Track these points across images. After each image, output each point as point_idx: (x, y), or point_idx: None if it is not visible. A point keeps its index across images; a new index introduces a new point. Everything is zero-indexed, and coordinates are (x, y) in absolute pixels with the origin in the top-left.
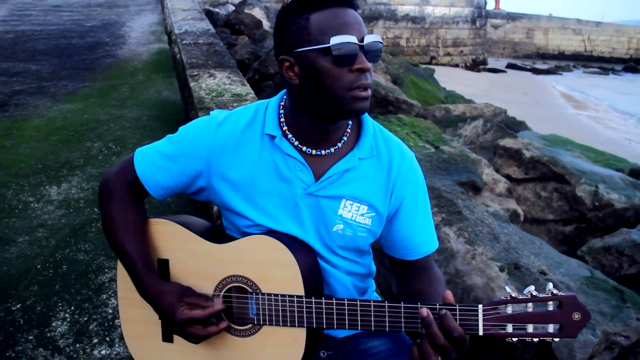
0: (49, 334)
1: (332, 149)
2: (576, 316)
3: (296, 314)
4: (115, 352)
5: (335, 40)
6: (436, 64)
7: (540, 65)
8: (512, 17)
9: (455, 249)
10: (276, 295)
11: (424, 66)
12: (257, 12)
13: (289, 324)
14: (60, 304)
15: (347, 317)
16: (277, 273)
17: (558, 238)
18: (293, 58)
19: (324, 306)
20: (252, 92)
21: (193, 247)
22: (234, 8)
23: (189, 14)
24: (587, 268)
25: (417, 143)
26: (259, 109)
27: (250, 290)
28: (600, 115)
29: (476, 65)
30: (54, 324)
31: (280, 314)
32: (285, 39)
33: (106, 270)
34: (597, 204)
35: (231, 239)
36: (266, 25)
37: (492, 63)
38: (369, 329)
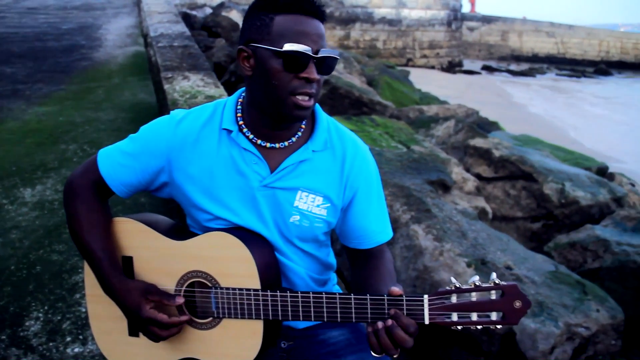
0: (22, 333)
1: (287, 143)
2: (517, 304)
3: (253, 307)
4: (88, 350)
5: (288, 47)
6: (412, 66)
7: (514, 67)
8: (487, 19)
9: (424, 246)
10: (234, 289)
11: (399, 68)
12: (235, 15)
13: (246, 317)
14: (33, 304)
15: (300, 309)
16: (234, 268)
17: (526, 235)
18: (250, 50)
19: (278, 299)
20: (226, 93)
21: (156, 245)
22: (211, 11)
23: (165, 17)
24: (552, 263)
25: (390, 143)
26: (218, 106)
27: (210, 284)
28: (569, 117)
29: (452, 67)
30: (27, 324)
31: (239, 307)
32: (249, 30)
33: (80, 270)
34: (563, 201)
35: (192, 235)
36: None
37: (467, 65)
38: (322, 320)
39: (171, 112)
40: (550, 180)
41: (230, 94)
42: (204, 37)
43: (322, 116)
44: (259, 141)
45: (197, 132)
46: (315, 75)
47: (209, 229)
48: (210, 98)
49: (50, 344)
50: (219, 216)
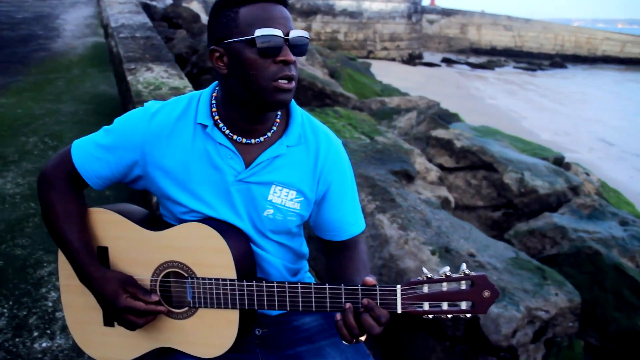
0: None
1: (262, 138)
2: (486, 294)
3: (229, 297)
4: (56, 345)
5: (260, 32)
6: (373, 58)
7: (473, 59)
8: (446, 12)
9: (389, 235)
10: (210, 279)
11: (361, 60)
12: (195, 6)
13: (222, 307)
14: None
15: (276, 299)
16: (210, 259)
17: (487, 223)
18: (222, 49)
19: (254, 289)
20: (190, 85)
21: (131, 235)
22: (171, 2)
23: (126, 7)
24: (513, 250)
25: (353, 135)
26: (192, 99)
27: (186, 275)
28: (524, 109)
29: (412, 60)
30: None
31: (215, 297)
32: (216, 30)
33: (45, 264)
34: (522, 190)
35: (168, 226)
36: (204, 19)
37: (427, 57)
38: (297, 310)
39: (145, 104)
40: (510, 170)
41: (193, 85)
42: (164, 28)
43: (297, 111)
44: (234, 136)
45: (171, 126)
46: (291, 57)
47: (184, 221)
48: (175, 90)
49: (17, 339)
50: (194, 209)
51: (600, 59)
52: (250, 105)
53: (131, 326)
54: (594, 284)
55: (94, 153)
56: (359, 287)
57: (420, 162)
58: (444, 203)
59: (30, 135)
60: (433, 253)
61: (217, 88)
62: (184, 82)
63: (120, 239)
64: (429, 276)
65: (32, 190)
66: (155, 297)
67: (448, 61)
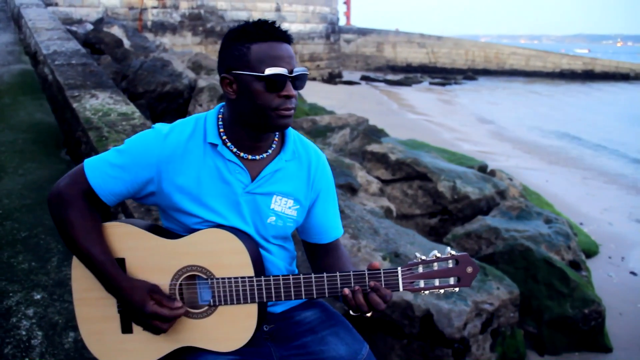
0: None
1: (264, 155)
2: (469, 269)
3: (248, 292)
4: None
5: (269, 71)
6: None
7: (391, 76)
8: (362, 32)
9: (343, 244)
10: (229, 278)
11: None
12: (117, 31)
13: (242, 302)
14: None
15: (292, 289)
16: (229, 260)
17: (425, 230)
18: (232, 77)
19: (272, 282)
20: (138, 111)
21: (148, 245)
22: (92, 27)
23: (55, 34)
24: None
25: None
26: (198, 121)
27: (205, 277)
28: (441, 121)
29: (332, 79)
30: None
31: (235, 294)
32: (228, 60)
33: (10, 294)
34: (456, 197)
35: (180, 235)
36: (127, 44)
37: (347, 76)
38: (312, 297)
39: (153, 126)
40: (443, 179)
41: None
42: (87, 54)
43: (290, 130)
44: (241, 154)
45: (183, 145)
46: (292, 92)
47: (196, 230)
48: (124, 115)
49: None
50: (207, 219)
51: (508, 72)
52: (255, 127)
53: (156, 331)
54: (528, 278)
55: (109, 172)
56: (366, 271)
57: (361, 176)
58: (387, 212)
59: None
60: (384, 258)
61: (221, 110)
62: (131, 108)
63: (136, 249)
64: (423, 258)
65: None
66: (178, 304)
67: (367, 79)
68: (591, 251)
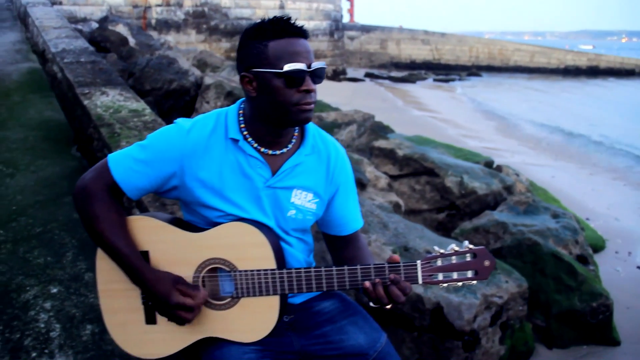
0: None
1: (285, 149)
2: (486, 263)
3: (270, 284)
4: None
5: (288, 67)
6: None
7: (395, 73)
8: (366, 29)
9: None
10: (252, 271)
11: None
12: (122, 29)
13: (264, 294)
14: None
15: (314, 281)
16: (251, 252)
17: (433, 225)
18: (252, 75)
19: (294, 275)
20: (148, 107)
21: (172, 238)
22: (97, 25)
23: (63, 32)
24: None
25: None
26: (219, 116)
27: (228, 269)
28: (446, 117)
29: (337, 76)
30: None
31: (257, 286)
32: (246, 58)
33: (27, 288)
34: (463, 192)
35: (202, 228)
36: (132, 42)
37: (351, 73)
38: (333, 289)
39: (175, 121)
40: (450, 174)
41: None
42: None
43: (309, 125)
44: (262, 149)
45: (205, 140)
46: (312, 86)
47: (219, 224)
48: (134, 112)
49: None
50: (230, 213)
51: (513, 68)
52: (276, 123)
53: (181, 321)
54: (536, 272)
55: (133, 167)
56: (386, 264)
57: (370, 171)
58: (396, 207)
59: None
60: (394, 252)
61: (242, 106)
62: (142, 105)
63: (160, 242)
64: (441, 252)
65: None
66: (203, 293)
67: (371, 76)
68: (598, 246)
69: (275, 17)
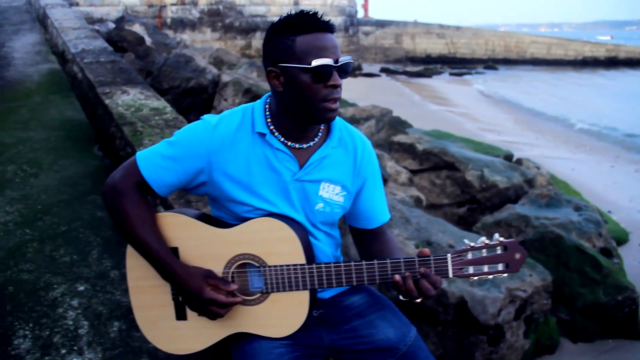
0: (13, 352)
1: (311, 143)
2: (517, 255)
3: (300, 279)
4: (88, 359)
5: (316, 62)
6: None
7: (410, 68)
8: (381, 24)
9: None
10: (281, 266)
11: None
12: (138, 29)
13: (294, 289)
14: (16, 323)
15: (344, 276)
16: (280, 248)
17: (454, 219)
18: (279, 70)
19: (323, 269)
20: (169, 105)
21: (201, 234)
22: (114, 25)
23: (82, 33)
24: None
25: None
26: (246, 111)
27: (257, 264)
28: (463, 111)
29: (352, 71)
30: (15, 342)
31: (287, 281)
32: (273, 53)
33: (55, 285)
34: (484, 185)
35: (231, 224)
36: (148, 41)
37: (366, 68)
38: (362, 284)
39: (202, 117)
40: (470, 168)
41: None
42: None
43: (336, 118)
44: (289, 143)
45: (232, 135)
46: (339, 81)
47: (247, 219)
48: (156, 110)
49: (46, 358)
50: (258, 207)
51: (529, 61)
52: (302, 119)
53: (213, 316)
54: (560, 265)
55: (161, 163)
56: (416, 258)
57: (390, 166)
58: (417, 202)
59: (7, 164)
60: (417, 247)
61: (268, 100)
62: (163, 103)
63: (190, 238)
64: (472, 245)
65: (24, 217)
66: (234, 286)
67: (387, 71)
68: (621, 239)
69: (302, 11)
